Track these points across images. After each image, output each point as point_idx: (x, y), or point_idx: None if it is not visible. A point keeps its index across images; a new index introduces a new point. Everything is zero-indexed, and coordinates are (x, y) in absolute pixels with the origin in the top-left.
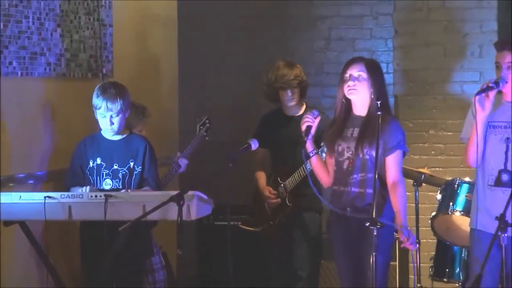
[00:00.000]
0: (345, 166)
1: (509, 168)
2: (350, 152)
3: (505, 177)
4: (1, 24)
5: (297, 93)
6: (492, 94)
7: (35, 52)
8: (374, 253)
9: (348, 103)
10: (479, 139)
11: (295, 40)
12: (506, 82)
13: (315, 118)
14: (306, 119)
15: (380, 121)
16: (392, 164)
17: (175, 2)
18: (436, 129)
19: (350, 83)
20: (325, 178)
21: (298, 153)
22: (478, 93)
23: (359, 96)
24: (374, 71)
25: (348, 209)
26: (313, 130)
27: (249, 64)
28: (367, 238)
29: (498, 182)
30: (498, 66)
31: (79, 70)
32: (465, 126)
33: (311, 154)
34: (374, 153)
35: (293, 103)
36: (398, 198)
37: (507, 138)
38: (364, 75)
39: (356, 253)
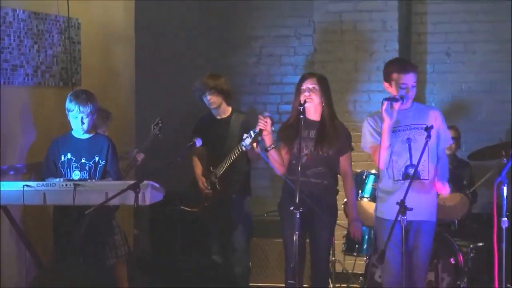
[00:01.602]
0: (303, 161)
1: (413, 162)
2: (308, 150)
3: (411, 170)
4: None
5: (215, 99)
6: (397, 105)
7: (16, 65)
8: (296, 232)
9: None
10: (387, 144)
11: (233, 56)
12: (409, 99)
13: (265, 119)
14: (259, 124)
15: (325, 125)
16: (346, 161)
17: (132, 23)
18: (348, 129)
19: (306, 93)
20: (280, 168)
21: (225, 146)
22: (386, 99)
23: (314, 104)
24: (324, 84)
25: (306, 196)
26: (268, 129)
27: (196, 75)
28: (319, 219)
29: (406, 176)
30: (404, 87)
31: (53, 80)
32: (363, 137)
33: (269, 148)
34: (331, 152)
35: (213, 106)
36: (351, 189)
37: (408, 138)
38: (317, 87)
39: (306, 231)
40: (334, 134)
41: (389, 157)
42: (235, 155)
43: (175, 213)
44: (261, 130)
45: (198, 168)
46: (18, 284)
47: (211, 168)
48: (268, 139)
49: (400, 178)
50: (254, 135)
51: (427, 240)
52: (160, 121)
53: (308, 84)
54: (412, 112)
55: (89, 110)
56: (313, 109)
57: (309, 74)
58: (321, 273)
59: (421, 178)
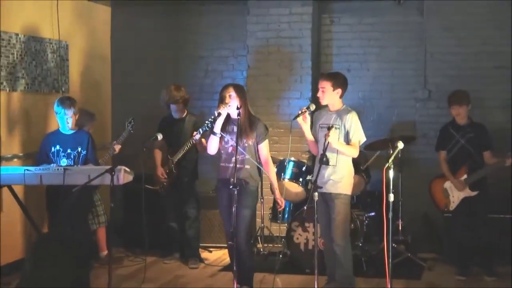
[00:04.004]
0: (229, 150)
1: (327, 152)
2: (233, 141)
3: (325, 158)
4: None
5: (181, 106)
6: (305, 115)
7: (18, 76)
8: (235, 205)
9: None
10: (312, 139)
11: (186, 71)
12: (322, 100)
13: (222, 110)
14: (220, 109)
15: (241, 121)
16: (263, 149)
17: (109, 45)
18: (273, 127)
19: (226, 100)
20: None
21: (180, 139)
22: (294, 118)
23: (233, 107)
24: (239, 91)
25: (232, 179)
26: (221, 117)
27: (159, 85)
28: (241, 196)
29: (321, 161)
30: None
31: (47, 88)
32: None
33: (218, 134)
34: (250, 142)
35: (178, 113)
36: (271, 171)
37: (325, 134)
38: (233, 94)
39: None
40: (249, 128)
41: (317, 147)
42: (187, 147)
43: (141, 191)
44: (219, 114)
45: (159, 158)
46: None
47: (169, 156)
48: (219, 124)
49: (318, 163)
50: (203, 132)
51: (337, 206)
52: (132, 120)
53: (226, 93)
54: (335, 115)
55: (72, 113)
56: (233, 110)
57: (227, 85)
58: (241, 236)
59: (329, 164)
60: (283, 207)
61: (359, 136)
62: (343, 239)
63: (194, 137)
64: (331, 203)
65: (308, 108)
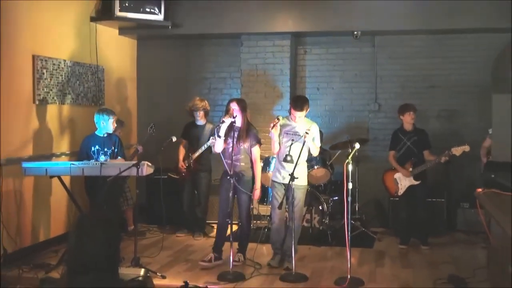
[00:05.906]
0: (230, 150)
1: (291, 153)
2: (232, 144)
3: (288, 157)
4: (51, 79)
5: (202, 114)
6: (277, 125)
7: (66, 93)
8: (231, 191)
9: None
10: (276, 143)
11: (194, 89)
12: (294, 120)
13: (226, 119)
14: (224, 118)
15: (240, 129)
16: (254, 152)
17: (135, 68)
18: (261, 132)
19: (231, 111)
20: (220, 149)
21: (200, 141)
22: (271, 128)
23: (237, 118)
24: (241, 105)
25: (231, 172)
26: (225, 124)
27: (172, 99)
28: (240, 184)
29: (285, 160)
30: (293, 117)
31: (88, 102)
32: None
33: (223, 137)
34: (246, 145)
35: (198, 118)
36: (257, 169)
37: (292, 139)
38: (236, 107)
39: (232, 193)
40: (245, 134)
41: (279, 148)
42: (204, 148)
43: (162, 180)
44: (223, 121)
45: (182, 154)
46: (65, 223)
47: (190, 153)
48: (222, 130)
49: (282, 160)
50: (216, 136)
51: (296, 194)
52: (153, 125)
53: (231, 106)
54: (299, 124)
55: (114, 118)
56: (237, 121)
57: (232, 99)
58: (243, 216)
59: (292, 162)
60: (256, 199)
61: (319, 142)
62: (299, 219)
63: (209, 141)
64: (289, 191)
65: (278, 119)
